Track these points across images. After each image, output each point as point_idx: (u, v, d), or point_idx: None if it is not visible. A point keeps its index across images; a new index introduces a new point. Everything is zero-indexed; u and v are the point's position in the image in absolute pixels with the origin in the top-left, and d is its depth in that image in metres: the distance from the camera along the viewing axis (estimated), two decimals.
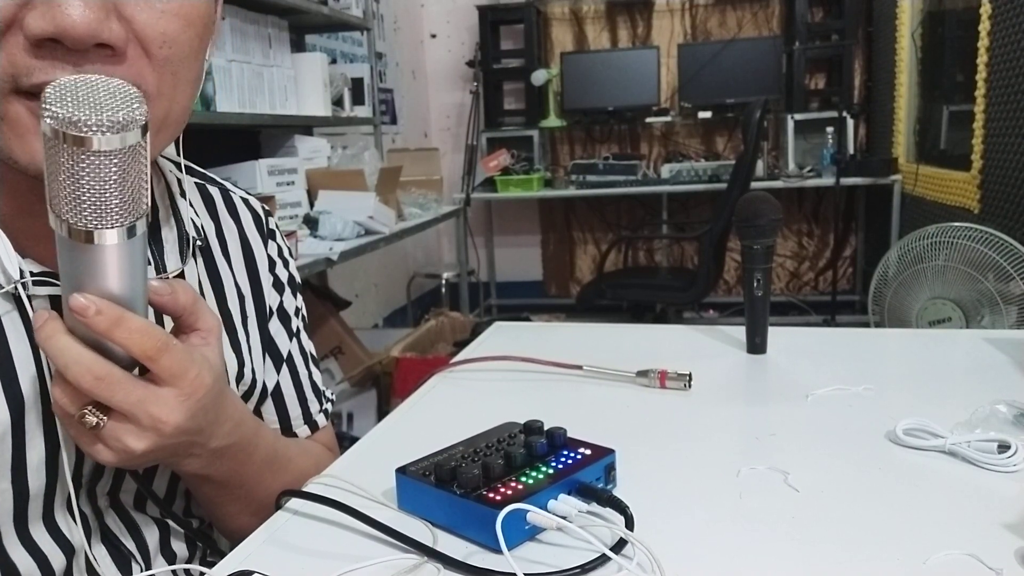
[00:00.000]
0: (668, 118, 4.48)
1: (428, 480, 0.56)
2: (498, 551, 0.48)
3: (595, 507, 0.54)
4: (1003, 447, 0.61)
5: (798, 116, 4.12)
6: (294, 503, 0.61)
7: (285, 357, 0.76)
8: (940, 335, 1.10)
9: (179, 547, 0.68)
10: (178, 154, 0.68)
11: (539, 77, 4.43)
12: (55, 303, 0.55)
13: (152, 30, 0.51)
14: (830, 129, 4.08)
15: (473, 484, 0.54)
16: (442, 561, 0.51)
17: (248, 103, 2.30)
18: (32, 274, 0.54)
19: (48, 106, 0.43)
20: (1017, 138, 2.48)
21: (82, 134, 0.43)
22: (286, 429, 0.77)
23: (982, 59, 2.74)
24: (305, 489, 0.62)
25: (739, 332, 0.98)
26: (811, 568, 0.49)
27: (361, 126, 3.38)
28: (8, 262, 0.53)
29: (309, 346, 0.81)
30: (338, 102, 2.96)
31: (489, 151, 4.47)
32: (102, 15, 0.48)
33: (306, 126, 2.83)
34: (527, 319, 4.11)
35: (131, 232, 0.46)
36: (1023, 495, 0.56)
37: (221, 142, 2.47)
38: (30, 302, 0.54)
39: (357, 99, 3.14)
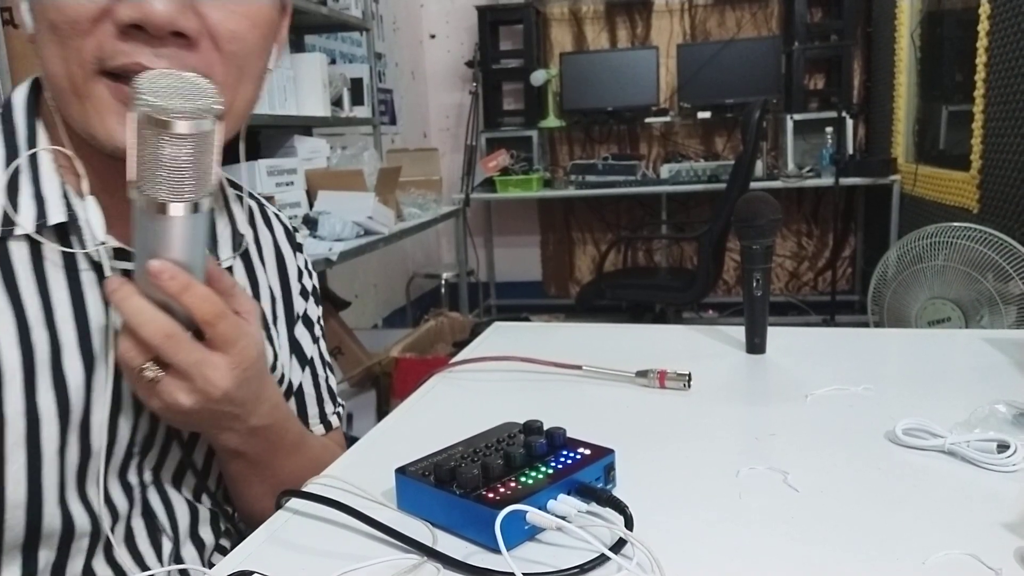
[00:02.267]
0: (667, 118, 4.49)
1: (428, 480, 0.56)
2: (498, 551, 0.48)
3: (595, 507, 0.54)
4: (1002, 447, 0.61)
5: (797, 116, 4.12)
6: (294, 503, 0.61)
7: (309, 360, 0.81)
8: (939, 335, 1.10)
9: (206, 533, 0.71)
10: (239, 157, 0.75)
11: (538, 77, 4.43)
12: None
13: (223, 26, 0.58)
14: (829, 129, 4.09)
15: (473, 484, 0.54)
16: (442, 561, 0.51)
17: None
18: (114, 249, 0.61)
19: (141, 94, 0.52)
20: (1016, 138, 2.49)
21: (167, 118, 0.51)
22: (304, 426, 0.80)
23: (981, 59, 2.74)
24: (305, 489, 0.62)
25: (738, 332, 0.98)
26: (811, 568, 0.49)
27: (360, 126, 3.38)
28: (98, 228, 0.60)
29: (327, 354, 0.86)
30: (337, 102, 2.96)
31: (488, 151, 4.47)
32: (181, 8, 0.55)
33: (305, 126, 2.83)
34: (526, 319, 4.11)
35: (196, 207, 0.54)
36: (1023, 495, 0.56)
37: None
38: (107, 264, 0.60)
39: (356, 99, 3.14)
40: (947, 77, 3.34)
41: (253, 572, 0.49)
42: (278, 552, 0.54)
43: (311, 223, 2.39)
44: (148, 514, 0.66)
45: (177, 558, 0.67)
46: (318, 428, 0.82)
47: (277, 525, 0.58)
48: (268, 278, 0.77)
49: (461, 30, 4.90)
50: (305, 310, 0.82)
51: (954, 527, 0.52)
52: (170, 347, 0.55)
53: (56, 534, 0.60)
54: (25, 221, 0.59)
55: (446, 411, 0.81)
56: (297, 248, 0.83)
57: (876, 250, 3.92)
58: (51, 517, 0.59)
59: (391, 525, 0.54)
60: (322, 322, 0.86)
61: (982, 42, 2.73)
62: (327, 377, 0.84)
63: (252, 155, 2.52)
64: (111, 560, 0.63)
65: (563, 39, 4.78)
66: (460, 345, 1.70)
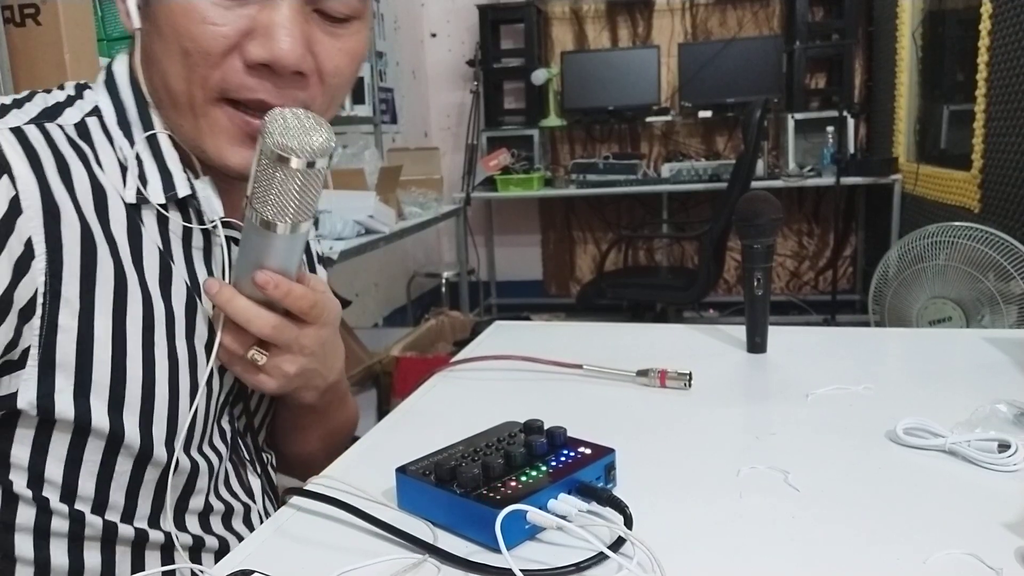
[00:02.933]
0: (668, 117, 4.48)
1: (428, 480, 0.56)
2: (498, 550, 0.48)
3: (595, 506, 0.54)
4: (1003, 446, 0.61)
5: (798, 115, 4.12)
6: (294, 502, 0.61)
7: None
8: (940, 335, 1.10)
9: (254, 479, 0.76)
10: None
11: (539, 76, 4.43)
12: (229, 244, 0.69)
13: (330, 63, 0.64)
14: (830, 128, 4.08)
15: (473, 484, 0.54)
16: (443, 559, 0.51)
17: None
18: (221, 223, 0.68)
19: (269, 129, 0.58)
20: (1017, 137, 2.48)
21: (288, 155, 0.58)
22: None
23: (982, 59, 2.74)
24: (307, 488, 0.62)
25: (739, 331, 0.98)
26: (811, 568, 0.49)
27: (361, 125, 3.38)
28: (217, 204, 0.67)
29: None
30: None
31: (489, 150, 4.47)
32: (304, 50, 0.61)
33: None
34: (527, 318, 4.11)
35: (295, 228, 0.61)
36: (1023, 495, 0.56)
37: None
38: (223, 239, 0.68)
39: (357, 98, 3.14)
40: (948, 76, 3.33)
41: (253, 572, 0.49)
42: (279, 551, 0.54)
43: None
44: (237, 455, 0.74)
45: (265, 490, 0.77)
46: None
47: (278, 524, 0.58)
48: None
49: (462, 29, 4.90)
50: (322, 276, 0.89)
51: (955, 527, 0.52)
52: (278, 333, 0.64)
53: (185, 473, 0.66)
54: (155, 192, 0.64)
55: (447, 410, 0.81)
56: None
57: (877, 249, 3.92)
58: (183, 457, 0.65)
59: (392, 524, 0.54)
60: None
61: (983, 41, 2.73)
62: None
63: None
64: (219, 494, 0.71)
65: (564, 38, 4.77)
66: (461, 344, 1.70)
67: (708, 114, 4.35)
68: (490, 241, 4.93)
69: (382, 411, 2.72)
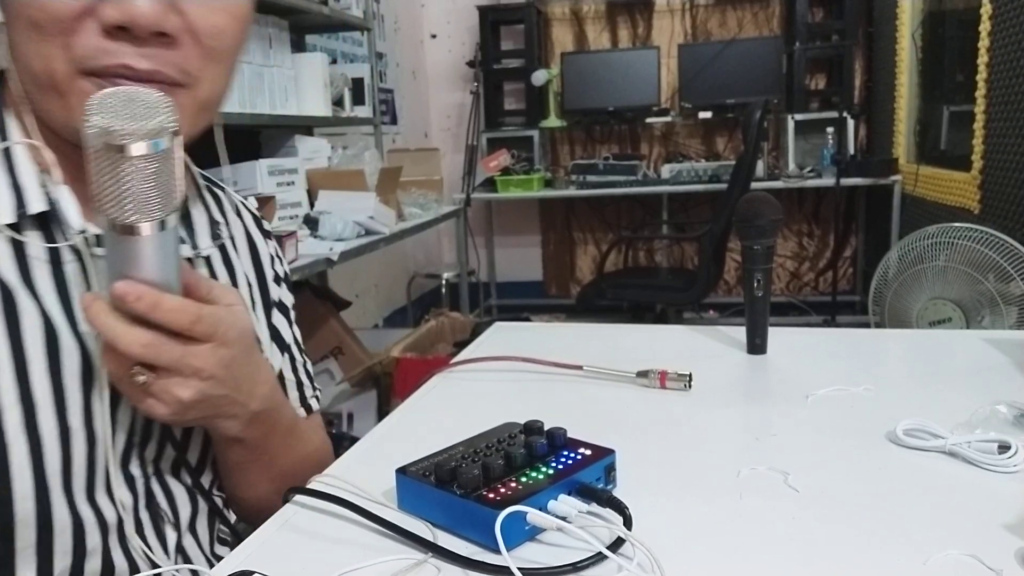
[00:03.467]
0: (668, 118, 4.48)
1: (428, 480, 0.56)
2: (498, 551, 0.48)
3: (595, 507, 0.54)
4: (1003, 447, 0.61)
5: (798, 116, 4.12)
6: (295, 502, 0.61)
7: (287, 345, 0.82)
8: (940, 335, 1.10)
9: (202, 526, 0.71)
10: (220, 150, 0.75)
11: (539, 77, 4.43)
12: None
13: (204, 22, 0.59)
14: (830, 129, 4.08)
15: (473, 484, 0.54)
16: (445, 558, 0.51)
17: (248, 103, 2.30)
18: (94, 236, 0.61)
19: (90, 116, 0.51)
20: (1017, 138, 2.48)
21: (120, 142, 0.50)
22: None
23: (982, 59, 2.74)
24: (308, 487, 0.62)
25: (739, 332, 0.98)
26: (811, 568, 0.49)
27: (361, 126, 3.38)
28: (74, 217, 0.59)
29: (300, 338, 0.87)
30: (338, 102, 2.96)
31: (489, 151, 4.47)
32: (164, 8, 0.55)
33: (306, 126, 2.83)
34: (527, 319, 4.11)
35: (163, 225, 0.53)
36: (1023, 496, 0.56)
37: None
38: (89, 259, 0.61)
39: (357, 99, 3.14)
40: (948, 77, 3.34)
41: (253, 572, 0.49)
42: (279, 550, 0.54)
43: (312, 223, 2.39)
44: (152, 505, 0.66)
45: (180, 549, 0.68)
46: (300, 412, 0.82)
47: (278, 525, 0.58)
48: (243, 265, 0.77)
49: (462, 30, 4.90)
50: (280, 297, 0.82)
51: (955, 528, 0.52)
52: (150, 353, 0.55)
53: (68, 531, 0.59)
54: (4, 211, 0.58)
55: (447, 411, 0.81)
56: (266, 235, 0.83)
57: (877, 250, 3.92)
58: (61, 511, 0.59)
59: (393, 523, 0.54)
60: (294, 308, 0.86)
61: (983, 42, 2.73)
62: (304, 362, 0.85)
63: (253, 155, 2.52)
64: (127, 553, 0.63)
65: (564, 39, 4.78)
66: (461, 345, 1.70)
67: (708, 115, 4.36)
68: (490, 242, 4.93)
69: (382, 412, 2.72)
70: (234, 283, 0.75)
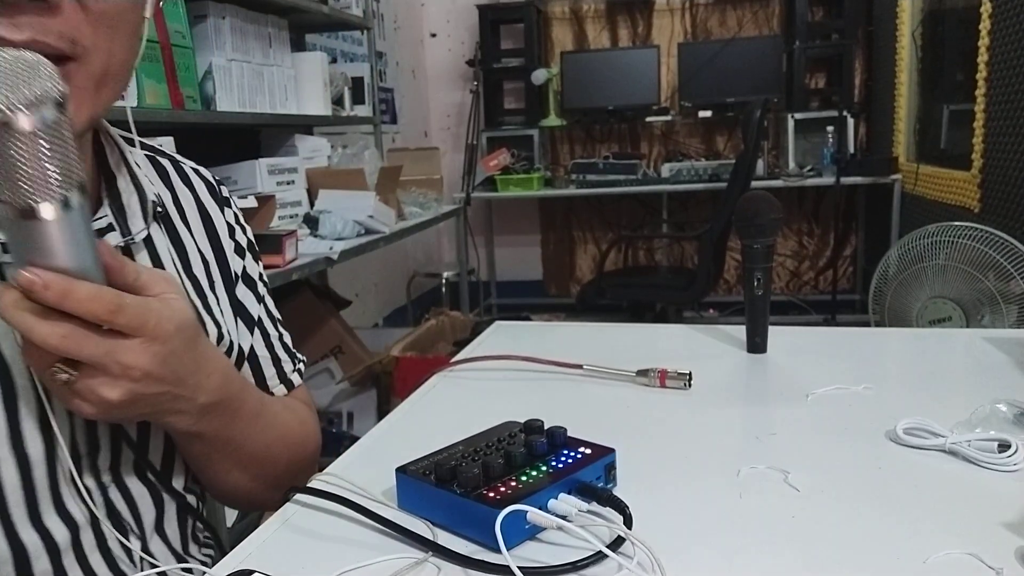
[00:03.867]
0: (668, 117, 4.48)
1: (428, 479, 0.56)
2: (498, 550, 0.48)
3: (595, 506, 0.54)
4: (1003, 446, 0.61)
5: (798, 115, 4.12)
6: (296, 499, 0.61)
7: (256, 320, 0.77)
8: (940, 334, 1.10)
9: (171, 527, 0.68)
10: (129, 123, 0.67)
11: (539, 76, 4.43)
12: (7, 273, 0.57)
13: None
14: (830, 128, 4.08)
15: (473, 483, 0.53)
16: (446, 557, 0.51)
17: (248, 102, 2.30)
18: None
19: None
20: (1017, 137, 2.48)
21: (2, 118, 0.44)
22: (263, 390, 0.76)
23: (982, 58, 2.74)
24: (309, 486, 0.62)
25: (739, 331, 0.98)
26: (811, 568, 0.49)
27: (361, 125, 3.38)
28: None
29: (275, 310, 0.81)
30: (338, 101, 2.96)
31: (489, 150, 4.47)
32: None
33: (306, 125, 2.83)
34: (527, 319, 4.11)
35: (66, 204, 0.47)
36: (1023, 495, 0.56)
37: (221, 141, 2.47)
38: (5, 266, 0.55)
39: (357, 98, 3.14)
40: (948, 76, 3.33)
41: (253, 572, 0.49)
42: (280, 549, 0.54)
43: (312, 222, 2.39)
44: (114, 515, 0.62)
45: (147, 553, 0.65)
46: (279, 389, 0.78)
47: (277, 524, 0.58)
48: (196, 240, 0.72)
49: (462, 29, 4.90)
50: (244, 268, 0.76)
51: (955, 526, 0.52)
52: (71, 347, 0.49)
53: (8, 562, 0.55)
54: None
55: (447, 410, 0.81)
56: (224, 203, 0.77)
57: (877, 249, 3.92)
58: None
59: (394, 522, 0.54)
60: (265, 278, 0.80)
61: (983, 41, 2.73)
62: (280, 335, 0.80)
63: (253, 154, 2.52)
64: (89, 571, 0.60)
65: (564, 38, 4.78)
66: (461, 344, 1.70)
67: (708, 114, 4.36)
68: (490, 241, 4.93)
69: (382, 411, 2.72)
70: (185, 262, 0.69)
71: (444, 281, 4.37)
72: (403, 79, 4.54)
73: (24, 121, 0.45)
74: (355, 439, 0.75)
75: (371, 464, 0.68)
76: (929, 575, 0.47)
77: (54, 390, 0.54)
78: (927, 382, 0.83)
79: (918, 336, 1.08)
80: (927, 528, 0.52)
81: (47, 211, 0.47)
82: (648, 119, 4.48)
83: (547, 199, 4.83)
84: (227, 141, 2.51)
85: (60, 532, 0.58)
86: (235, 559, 0.53)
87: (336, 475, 0.63)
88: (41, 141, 0.46)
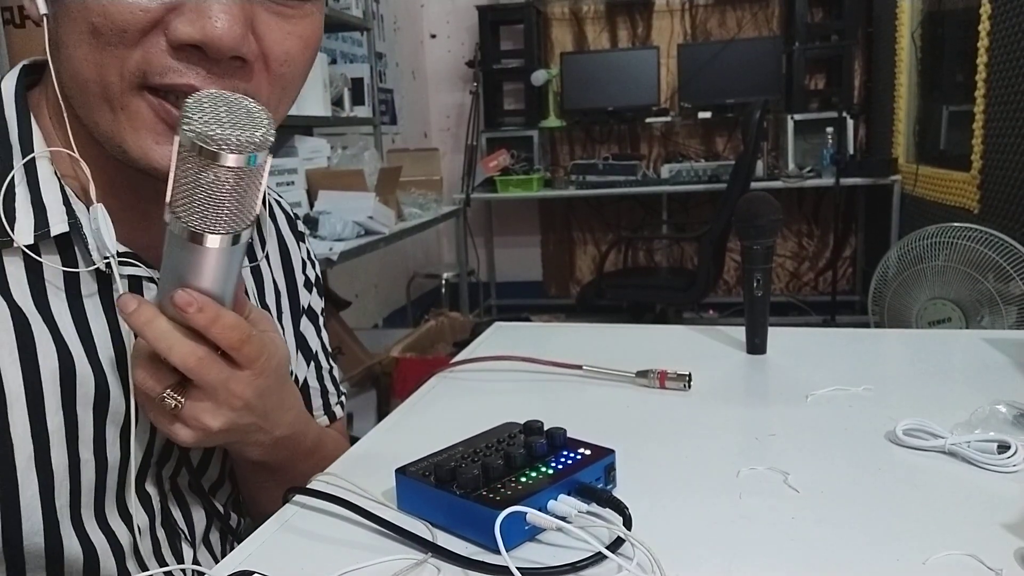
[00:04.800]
0: (668, 118, 4.49)
1: (428, 480, 0.56)
2: (498, 551, 0.48)
3: (595, 507, 0.54)
4: (1003, 447, 0.61)
5: (798, 116, 4.12)
6: (296, 500, 0.61)
7: (314, 353, 0.80)
8: (940, 335, 1.10)
9: (215, 537, 0.70)
10: None
11: (539, 77, 4.43)
12: (133, 286, 0.60)
13: (278, 48, 0.55)
14: (830, 129, 4.09)
15: (473, 484, 0.53)
16: (445, 558, 0.51)
17: None
18: (119, 254, 0.57)
19: (189, 116, 0.47)
20: (1017, 138, 2.48)
21: (216, 150, 0.47)
22: None
23: (982, 59, 2.74)
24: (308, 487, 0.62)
25: (739, 332, 0.98)
26: (811, 568, 0.49)
27: (361, 126, 3.38)
28: (109, 239, 0.56)
29: (327, 342, 0.85)
30: (338, 102, 2.96)
31: (489, 151, 4.47)
32: (244, 31, 0.51)
33: (306, 126, 2.83)
34: (527, 319, 4.11)
35: (236, 240, 0.51)
36: (1023, 495, 0.56)
37: None
38: (119, 280, 0.57)
39: (357, 99, 3.14)
40: (948, 77, 3.34)
41: (253, 572, 0.49)
42: (280, 550, 0.54)
43: (312, 223, 2.39)
44: (168, 523, 0.65)
45: (196, 563, 0.67)
46: (322, 419, 0.81)
47: (278, 525, 0.58)
48: (273, 272, 0.75)
49: (462, 30, 4.90)
50: (309, 303, 0.80)
51: (954, 527, 0.52)
52: (202, 368, 0.52)
53: (79, 561, 0.57)
54: (22, 231, 0.54)
55: (446, 411, 0.81)
56: (300, 237, 0.80)
57: (877, 250, 3.92)
58: (71, 542, 0.57)
59: (394, 523, 0.54)
60: (323, 312, 0.84)
61: (983, 42, 2.73)
62: (331, 368, 0.83)
63: None
64: (144, 568, 0.62)
65: (564, 39, 4.78)
66: (460, 345, 1.70)
67: (707, 115, 4.36)
68: (490, 242, 4.93)
69: (382, 412, 2.72)
70: (260, 292, 0.72)
71: (444, 282, 4.37)
72: (403, 80, 4.54)
73: (231, 160, 0.48)
74: (355, 440, 0.75)
75: (371, 465, 0.68)
76: None
77: (154, 414, 0.56)
78: (927, 383, 0.83)
79: (918, 337, 1.08)
80: (927, 529, 0.52)
81: (217, 242, 0.50)
82: (648, 120, 4.48)
83: (547, 200, 4.83)
84: None
85: (124, 535, 0.60)
86: (235, 560, 0.53)
87: (336, 476, 0.63)
88: (241, 181, 0.49)
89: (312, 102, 2.68)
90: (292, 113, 2.30)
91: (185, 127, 0.47)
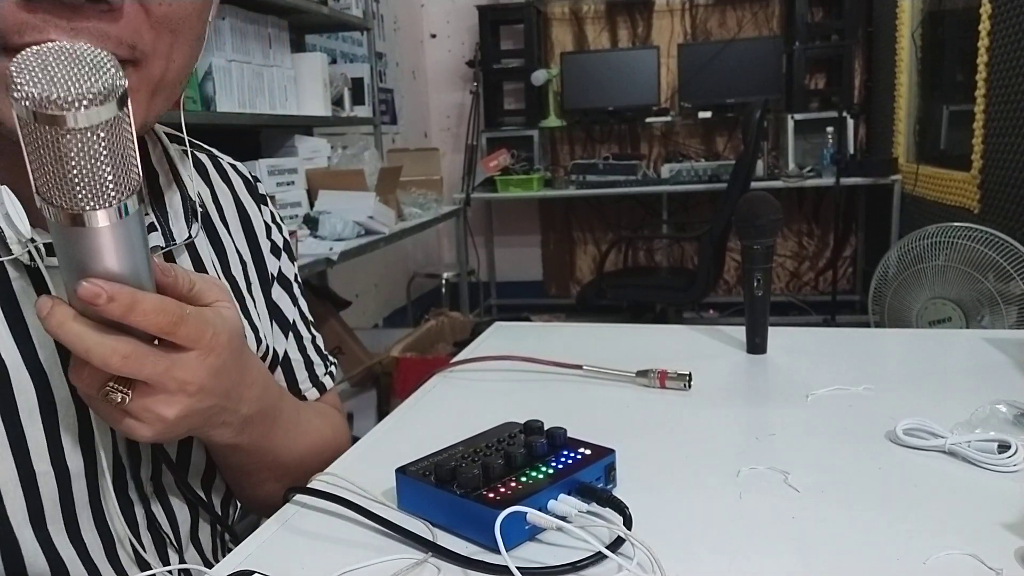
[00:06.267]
0: (668, 118, 4.48)
1: (428, 480, 0.56)
2: (498, 551, 0.48)
3: (595, 507, 0.54)
4: (1003, 447, 0.61)
5: (798, 116, 4.12)
6: (296, 500, 0.61)
7: (291, 323, 0.76)
8: (940, 335, 1.10)
9: (205, 535, 0.68)
10: (182, 122, 0.65)
11: (539, 77, 4.43)
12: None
13: None
14: (830, 129, 4.09)
15: (473, 484, 0.53)
16: (445, 558, 0.51)
17: (248, 103, 2.30)
18: (44, 245, 0.51)
19: (16, 82, 0.40)
20: (1017, 138, 2.48)
21: (57, 112, 0.40)
22: (295, 393, 0.76)
23: (982, 59, 2.74)
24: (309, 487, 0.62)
25: (739, 332, 0.98)
26: (811, 568, 0.49)
27: (361, 126, 3.38)
28: (21, 224, 0.49)
29: (308, 311, 0.80)
30: (338, 102, 2.96)
31: (489, 151, 4.47)
32: None
33: (306, 126, 2.83)
34: (527, 319, 4.11)
35: (124, 211, 0.44)
36: (1023, 495, 0.56)
37: (221, 142, 2.47)
38: (46, 272, 0.53)
39: (357, 99, 3.14)
40: (948, 77, 3.34)
41: (253, 572, 0.49)
42: (279, 551, 0.54)
43: (312, 223, 2.39)
44: (154, 527, 0.62)
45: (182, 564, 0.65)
46: (311, 393, 0.77)
47: (278, 524, 0.58)
48: (234, 240, 0.70)
49: (462, 30, 4.90)
50: (279, 268, 0.74)
51: (955, 527, 0.52)
52: (131, 365, 0.47)
53: (46, 575, 0.55)
54: None
55: (446, 411, 0.81)
56: (261, 201, 0.75)
57: (877, 250, 3.92)
58: (35, 558, 0.54)
59: (394, 523, 0.54)
60: (299, 279, 0.78)
61: (983, 42, 2.73)
62: (313, 337, 0.78)
63: (253, 155, 2.52)
64: None
65: (564, 39, 4.78)
66: (461, 345, 1.70)
67: (708, 115, 4.36)
68: (490, 242, 4.93)
69: (382, 412, 2.72)
70: (224, 264, 0.67)
71: (444, 282, 4.37)
72: (403, 80, 4.54)
73: (83, 119, 0.40)
74: (355, 439, 0.75)
75: (371, 464, 0.68)
76: (929, 575, 0.47)
77: (103, 412, 0.51)
78: (927, 383, 0.83)
79: (918, 337, 1.08)
80: (927, 529, 0.52)
81: (103, 218, 0.43)
82: (648, 120, 4.48)
83: (547, 200, 4.83)
84: (227, 142, 2.50)
85: (96, 546, 0.57)
86: (235, 559, 0.53)
87: (336, 475, 0.63)
88: (100, 142, 0.42)
89: (312, 102, 2.68)
90: (292, 112, 2.29)
91: (16, 95, 0.40)
